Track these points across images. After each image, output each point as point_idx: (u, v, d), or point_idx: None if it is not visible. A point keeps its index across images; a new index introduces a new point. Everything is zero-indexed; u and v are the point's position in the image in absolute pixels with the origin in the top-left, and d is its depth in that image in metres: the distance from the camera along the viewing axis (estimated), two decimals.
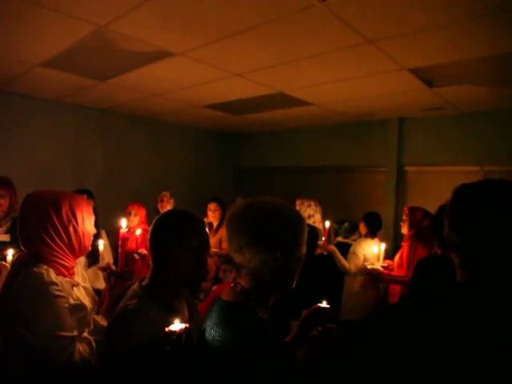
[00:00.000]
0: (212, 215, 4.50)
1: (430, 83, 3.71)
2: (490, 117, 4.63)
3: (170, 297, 1.49)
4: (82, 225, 1.66)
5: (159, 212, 4.62)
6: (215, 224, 4.52)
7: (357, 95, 4.28)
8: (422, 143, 5.20)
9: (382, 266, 3.72)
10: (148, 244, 1.50)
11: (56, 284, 1.49)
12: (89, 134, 5.54)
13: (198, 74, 3.73)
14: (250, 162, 7.34)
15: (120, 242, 1.79)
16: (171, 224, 1.50)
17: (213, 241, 4.28)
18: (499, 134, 4.57)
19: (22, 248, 1.62)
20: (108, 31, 2.81)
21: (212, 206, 4.53)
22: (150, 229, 1.50)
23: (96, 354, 1.54)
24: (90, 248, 1.76)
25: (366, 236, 4.08)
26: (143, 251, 3.81)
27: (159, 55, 3.26)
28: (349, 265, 3.90)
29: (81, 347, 1.50)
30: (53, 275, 1.52)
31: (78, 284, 1.68)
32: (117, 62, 3.49)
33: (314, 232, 4.20)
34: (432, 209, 4.81)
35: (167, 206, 4.67)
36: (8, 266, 1.99)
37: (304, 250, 1.31)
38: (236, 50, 3.11)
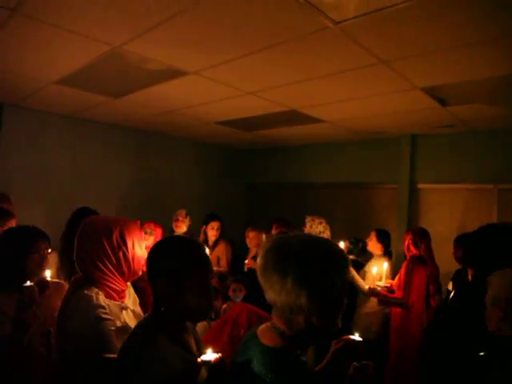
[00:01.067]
0: (213, 234, 4.57)
1: (443, 102, 3.69)
2: (504, 135, 4.59)
3: (181, 329, 1.46)
4: (132, 250, 1.72)
5: (174, 231, 4.59)
6: (212, 239, 4.57)
7: (369, 113, 4.27)
8: (435, 160, 5.17)
9: (385, 286, 3.66)
10: (149, 272, 1.46)
11: (103, 307, 1.56)
12: (99, 149, 5.58)
13: (210, 92, 3.75)
14: (261, 178, 7.34)
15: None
16: (175, 254, 1.43)
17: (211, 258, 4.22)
18: None
19: (78, 270, 1.72)
20: (122, 51, 2.85)
21: (216, 225, 4.59)
22: (149, 260, 1.46)
23: None
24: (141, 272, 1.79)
25: (384, 255, 4.03)
26: None
27: (173, 74, 3.29)
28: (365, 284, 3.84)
29: None
30: (102, 298, 1.59)
31: (127, 307, 1.73)
32: (130, 80, 3.52)
33: None
34: (444, 226, 4.82)
35: (183, 226, 4.59)
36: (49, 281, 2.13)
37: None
38: (249, 70, 3.12)
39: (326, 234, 4.39)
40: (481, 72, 2.94)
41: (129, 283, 1.85)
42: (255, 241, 4.49)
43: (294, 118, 4.60)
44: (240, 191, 7.50)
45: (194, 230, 4.87)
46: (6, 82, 3.80)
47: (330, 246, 1.28)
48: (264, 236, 4.42)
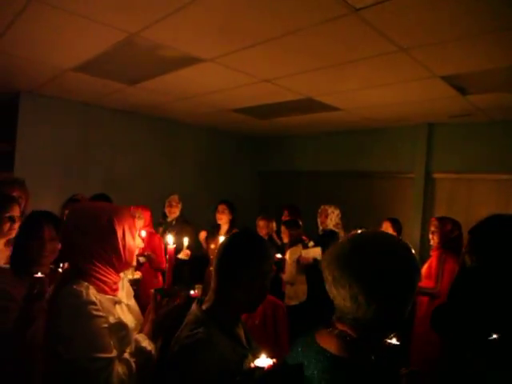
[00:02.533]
0: (220, 216, 4.49)
1: (462, 90, 3.62)
2: None
3: (233, 323, 1.46)
4: (123, 239, 1.57)
5: (166, 216, 4.60)
6: (224, 226, 4.50)
7: (387, 101, 4.21)
8: (452, 150, 5.09)
9: None
10: (215, 266, 1.46)
11: (94, 303, 1.44)
12: (110, 136, 5.61)
13: (226, 79, 3.73)
14: (275, 166, 7.32)
15: (168, 259, 1.71)
16: (246, 248, 1.45)
17: None
18: None
19: (67, 261, 1.65)
20: (139, 38, 2.84)
21: (221, 207, 4.51)
22: (220, 251, 1.47)
23: (137, 377, 1.47)
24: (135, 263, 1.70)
25: None
26: (149, 253, 3.76)
27: (189, 61, 3.27)
28: None
29: (120, 369, 1.42)
30: (92, 293, 1.47)
31: (121, 302, 1.62)
32: (146, 67, 3.52)
33: (337, 238, 4.30)
34: (460, 217, 4.75)
35: (176, 211, 4.59)
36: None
37: None
38: (266, 57, 3.09)
39: (340, 225, 4.44)
40: (502, 60, 2.87)
41: (122, 274, 1.73)
42: (265, 230, 4.56)
43: (309, 105, 4.56)
44: (253, 179, 7.50)
45: (207, 217, 4.89)
46: (23, 69, 3.82)
47: (409, 258, 1.15)
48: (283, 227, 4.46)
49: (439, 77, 3.28)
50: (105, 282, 1.55)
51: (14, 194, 3.05)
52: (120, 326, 1.50)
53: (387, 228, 4.08)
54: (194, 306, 1.50)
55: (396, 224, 4.06)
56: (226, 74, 3.56)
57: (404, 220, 5.27)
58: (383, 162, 5.76)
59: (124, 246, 1.57)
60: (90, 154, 5.33)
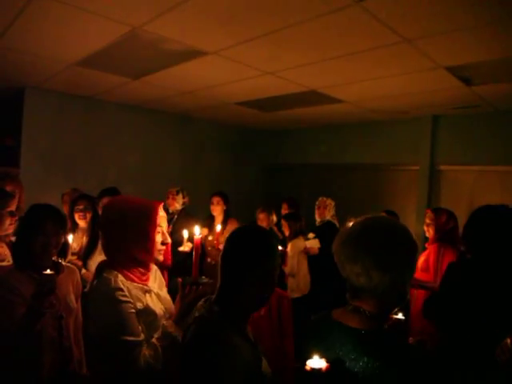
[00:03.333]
0: (214, 208, 4.50)
1: (467, 81, 3.60)
2: None
3: (245, 322, 1.45)
4: (153, 234, 1.68)
5: (168, 211, 4.55)
6: (219, 217, 4.50)
7: (390, 93, 4.20)
8: (457, 141, 5.06)
9: None
10: (224, 265, 1.44)
11: (121, 289, 1.55)
12: (115, 131, 5.61)
13: (230, 72, 3.73)
14: (279, 160, 7.32)
15: (194, 249, 1.74)
16: (256, 246, 1.42)
17: (222, 238, 4.24)
18: None
19: (102, 251, 1.74)
20: (142, 32, 2.84)
21: (215, 199, 4.52)
22: (228, 249, 1.45)
23: (162, 360, 1.53)
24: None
25: None
26: None
27: (192, 54, 3.28)
28: None
29: (147, 352, 1.50)
30: (121, 281, 1.58)
31: (151, 290, 1.71)
32: (150, 61, 3.53)
33: (338, 230, 4.33)
34: (466, 208, 4.73)
35: (174, 204, 4.57)
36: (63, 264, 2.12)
37: None
38: (269, 49, 3.09)
39: (335, 216, 4.67)
40: (507, 50, 2.85)
41: (154, 266, 1.84)
42: (265, 222, 4.60)
43: (313, 98, 4.55)
44: (258, 173, 7.50)
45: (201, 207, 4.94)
46: (28, 64, 3.83)
47: (408, 233, 1.29)
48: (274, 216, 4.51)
49: (444, 67, 3.26)
50: (133, 272, 1.65)
51: (7, 188, 3.03)
52: (148, 312, 1.60)
53: None
54: (201, 308, 1.46)
55: (392, 216, 4.07)
56: (229, 67, 3.56)
57: (409, 212, 5.29)
58: (388, 155, 5.74)
59: (150, 239, 1.66)
60: (94, 148, 5.34)
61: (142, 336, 1.53)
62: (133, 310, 1.54)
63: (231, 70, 3.64)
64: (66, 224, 2.18)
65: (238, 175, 7.04)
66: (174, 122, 6.19)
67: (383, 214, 4.12)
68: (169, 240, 1.77)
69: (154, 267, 1.84)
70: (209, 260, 4.38)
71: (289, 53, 3.15)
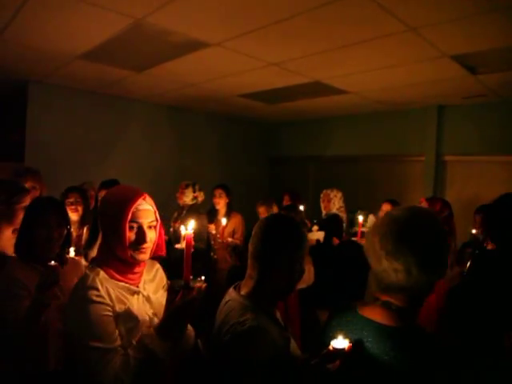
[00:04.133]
0: (217, 201, 4.49)
1: (473, 70, 3.57)
2: None
3: (273, 306, 1.47)
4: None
5: (179, 205, 4.51)
6: (222, 210, 4.50)
7: (396, 83, 4.16)
8: (463, 132, 5.02)
9: None
10: (254, 252, 1.44)
11: (96, 289, 1.38)
12: (122, 124, 5.62)
13: (233, 63, 3.71)
14: (285, 152, 7.30)
15: (185, 247, 1.45)
16: (285, 232, 1.44)
17: (226, 231, 4.26)
18: None
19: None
20: (145, 23, 2.83)
21: (217, 191, 4.51)
22: (258, 236, 1.44)
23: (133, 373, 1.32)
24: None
25: None
26: None
27: (195, 46, 3.26)
28: None
29: (118, 362, 1.32)
30: (100, 279, 1.42)
31: (139, 292, 1.53)
32: (153, 53, 3.51)
33: (341, 221, 4.36)
34: (472, 199, 4.70)
35: (182, 197, 4.44)
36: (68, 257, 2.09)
37: None
38: (273, 40, 3.07)
39: (343, 208, 4.50)
40: None
41: (157, 265, 1.70)
42: (265, 215, 4.54)
43: (317, 89, 4.52)
44: (264, 165, 7.50)
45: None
46: (31, 58, 3.82)
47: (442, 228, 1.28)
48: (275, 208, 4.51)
49: (449, 56, 3.23)
50: (118, 269, 1.48)
51: (27, 184, 3.07)
52: (129, 316, 1.43)
53: (387, 209, 4.06)
54: (232, 293, 1.48)
55: (395, 205, 4.06)
56: (233, 59, 3.54)
57: (416, 203, 5.25)
58: (394, 146, 5.71)
59: (121, 235, 1.44)
60: (98, 142, 5.35)
61: (118, 342, 1.35)
62: (108, 313, 1.37)
63: (235, 61, 3.62)
64: (68, 217, 2.19)
65: (244, 168, 7.03)
66: (177, 116, 6.17)
67: (386, 204, 4.13)
68: (147, 239, 1.47)
69: (155, 266, 1.69)
70: (212, 254, 4.38)
71: (293, 43, 3.12)
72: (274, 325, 1.40)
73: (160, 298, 1.59)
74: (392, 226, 1.23)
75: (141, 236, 1.46)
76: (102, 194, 3.06)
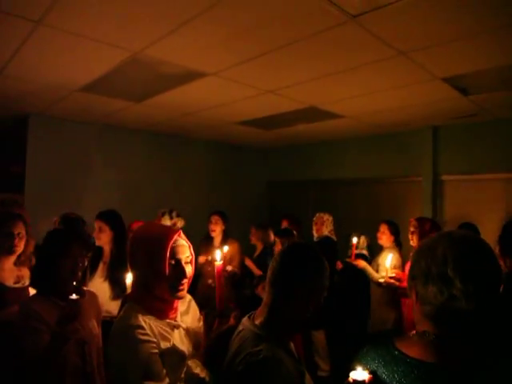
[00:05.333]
0: (213, 228, 4.41)
1: (464, 91, 3.64)
2: None
3: (288, 338, 1.44)
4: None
5: None
6: (218, 238, 4.42)
7: (389, 106, 4.24)
8: (458, 151, 5.08)
9: (390, 277, 3.63)
10: (271, 280, 1.42)
11: (141, 327, 1.37)
12: (122, 154, 5.68)
13: (230, 92, 3.79)
14: (283, 177, 7.36)
15: (216, 277, 1.55)
16: (305, 262, 1.41)
17: (226, 258, 4.10)
18: None
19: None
20: (143, 56, 2.91)
21: (214, 218, 4.45)
22: (277, 264, 1.42)
23: None
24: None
25: (395, 246, 4.06)
26: None
27: (193, 76, 3.34)
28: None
29: None
30: (141, 316, 1.41)
31: (179, 326, 1.53)
32: (151, 84, 3.59)
33: (336, 244, 4.39)
34: (471, 217, 4.72)
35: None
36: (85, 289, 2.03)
37: None
38: (268, 68, 3.14)
39: (333, 231, 4.60)
40: (501, 59, 2.89)
41: (188, 296, 1.68)
42: (256, 239, 4.76)
43: (313, 114, 4.60)
44: (262, 190, 7.54)
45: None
46: (31, 92, 3.90)
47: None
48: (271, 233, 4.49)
49: (440, 78, 3.30)
50: (157, 307, 1.47)
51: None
52: (174, 352, 1.43)
53: (385, 230, 4.10)
54: (246, 322, 1.45)
55: (392, 226, 4.09)
56: (230, 87, 3.62)
57: None
58: (391, 167, 5.76)
59: (160, 273, 1.46)
60: (97, 171, 5.39)
61: (167, 380, 1.36)
62: (155, 351, 1.36)
63: (231, 90, 3.70)
64: (91, 246, 2.18)
65: (243, 193, 7.08)
66: (176, 144, 6.25)
67: (384, 224, 4.16)
68: (187, 274, 1.51)
69: (187, 297, 1.67)
70: (210, 281, 4.27)
71: (287, 71, 3.20)
72: (289, 357, 1.36)
73: (197, 328, 1.61)
74: (449, 253, 1.11)
75: (181, 272, 1.48)
76: (98, 224, 3.05)
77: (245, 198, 7.04)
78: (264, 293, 1.45)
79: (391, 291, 3.77)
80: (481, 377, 1.03)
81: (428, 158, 5.29)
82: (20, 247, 2.46)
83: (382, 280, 3.65)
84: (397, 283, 3.63)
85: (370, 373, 1.13)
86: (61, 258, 1.93)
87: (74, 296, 1.76)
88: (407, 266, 3.76)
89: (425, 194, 5.33)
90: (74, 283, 1.96)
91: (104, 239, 3.01)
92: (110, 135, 5.51)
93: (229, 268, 4.13)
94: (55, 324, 1.73)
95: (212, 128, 5.58)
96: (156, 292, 1.46)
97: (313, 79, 3.37)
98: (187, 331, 1.54)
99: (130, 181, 5.70)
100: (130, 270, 1.58)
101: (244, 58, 2.94)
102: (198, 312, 1.67)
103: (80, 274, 2.00)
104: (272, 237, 4.80)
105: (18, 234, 2.44)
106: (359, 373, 1.12)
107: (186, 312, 1.62)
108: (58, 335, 1.72)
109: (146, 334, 1.36)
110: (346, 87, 3.60)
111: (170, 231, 1.52)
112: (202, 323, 1.65)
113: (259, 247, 4.78)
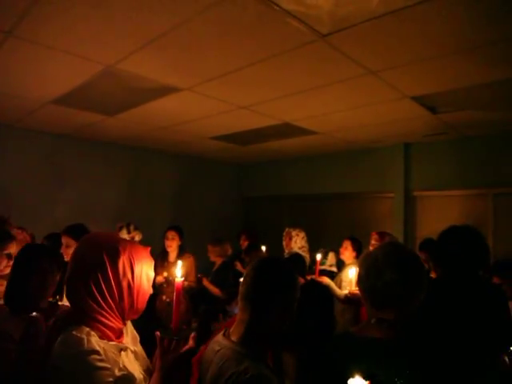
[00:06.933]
0: (169, 244, 4.31)
1: (433, 110, 3.75)
2: (497, 140, 4.63)
3: (266, 352, 1.45)
4: (139, 282, 1.36)
5: None
6: (173, 253, 4.33)
7: (360, 123, 4.32)
8: (429, 168, 5.20)
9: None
10: (246, 295, 1.42)
11: (97, 352, 1.21)
12: (92, 166, 5.61)
13: (203, 107, 3.81)
14: (259, 192, 7.38)
15: (175, 295, 1.39)
16: (278, 275, 1.45)
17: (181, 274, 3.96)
18: (506, 157, 4.56)
19: (67, 299, 1.39)
20: (116, 70, 2.90)
21: (170, 234, 4.34)
22: (251, 279, 1.44)
23: None
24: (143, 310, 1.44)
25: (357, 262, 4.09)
26: None
27: (166, 91, 3.35)
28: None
29: None
30: (94, 340, 1.24)
31: (127, 348, 1.37)
32: (125, 98, 3.58)
33: (304, 261, 4.31)
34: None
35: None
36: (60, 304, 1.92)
37: None
38: (240, 84, 3.18)
39: (305, 247, 4.52)
40: (469, 79, 2.99)
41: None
42: (214, 253, 4.72)
43: (287, 130, 4.65)
44: (237, 205, 7.54)
45: (193, 246, 4.87)
46: (2, 104, 3.85)
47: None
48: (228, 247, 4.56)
49: (409, 97, 3.39)
50: (109, 327, 1.31)
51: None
52: (128, 378, 1.28)
53: (347, 246, 4.15)
54: (223, 340, 1.43)
55: (355, 243, 4.15)
56: (203, 102, 3.64)
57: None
58: (364, 183, 5.85)
59: (139, 290, 1.36)
60: (67, 186, 5.30)
61: None
62: (111, 379, 1.20)
63: (205, 105, 3.72)
64: (61, 263, 2.11)
65: (218, 208, 7.05)
66: (149, 158, 6.22)
67: (347, 241, 4.22)
68: (150, 291, 1.43)
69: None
70: (164, 298, 4.19)
71: (259, 87, 3.25)
72: (271, 372, 1.35)
73: (140, 351, 1.47)
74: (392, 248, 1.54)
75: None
76: (65, 240, 2.96)
77: (219, 212, 7.02)
78: (237, 309, 1.46)
79: (353, 308, 3.79)
80: (409, 349, 1.39)
81: (400, 175, 5.40)
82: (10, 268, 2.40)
83: (346, 292, 3.63)
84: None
85: (368, 379, 1.22)
86: (30, 273, 1.87)
87: (33, 314, 1.71)
88: None
89: (397, 210, 5.42)
90: (51, 299, 1.92)
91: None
92: (81, 148, 5.45)
93: (185, 283, 4.00)
94: (19, 342, 1.67)
95: (187, 143, 5.58)
96: (126, 309, 1.35)
97: (285, 96, 3.42)
98: (135, 354, 1.41)
99: (97, 195, 5.60)
100: (78, 283, 1.35)
101: (215, 75, 2.98)
102: (135, 333, 1.52)
103: (51, 289, 1.93)
104: (230, 250, 4.83)
105: (11, 254, 2.38)
106: (357, 380, 1.18)
107: (126, 334, 1.43)
108: (22, 355, 1.65)
109: (103, 360, 1.20)
110: (318, 104, 3.66)
111: (147, 249, 1.47)
112: (139, 346, 1.50)
113: (218, 262, 4.76)
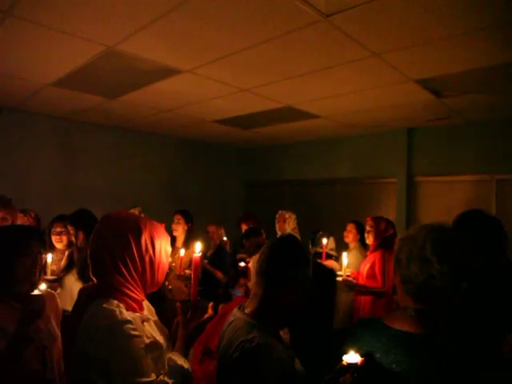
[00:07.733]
0: (175, 227, 4.14)
1: (437, 93, 3.71)
2: (500, 125, 4.60)
3: (277, 325, 1.51)
4: (160, 256, 1.47)
5: None
6: (180, 238, 4.16)
7: (363, 107, 4.29)
8: (432, 153, 5.18)
9: (347, 275, 3.66)
10: (260, 271, 1.50)
11: (131, 322, 1.29)
12: (94, 150, 5.62)
13: (205, 90, 3.78)
14: (260, 176, 7.37)
15: (193, 268, 1.55)
16: (290, 252, 1.51)
17: (184, 262, 3.79)
18: (509, 142, 4.53)
19: (92, 276, 1.43)
20: (117, 51, 2.87)
21: (175, 217, 4.18)
22: (266, 255, 1.51)
23: None
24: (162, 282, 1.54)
25: (360, 246, 4.17)
26: None
27: (168, 73, 3.31)
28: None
29: None
30: (125, 311, 1.32)
31: (149, 319, 1.47)
32: (126, 80, 3.55)
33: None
34: (443, 218, 4.79)
35: None
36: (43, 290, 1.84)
37: None
38: (242, 66, 3.15)
39: (297, 229, 4.60)
40: (473, 62, 2.95)
41: None
42: (216, 235, 4.85)
43: (289, 114, 4.62)
44: (238, 190, 7.54)
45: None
46: (3, 86, 3.83)
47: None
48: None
49: (413, 80, 3.35)
50: (134, 299, 1.40)
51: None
52: (154, 345, 1.37)
53: (352, 229, 4.22)
54: (237, 313, 1.52)
55: (359, 225, 4.19)
56: (205, 85, 3.61)
57: None
58: (366, 168, 5.83)
59: (159, 264, 1.46)
60: (72, 169, 5.33)
61: (153, 375, 1.29)
62: (142, 346, 1.29)
63: (207, 87, 3.69)
64: (45, 243, 2.09)
65: (219, 192, 7.07)
66: (151, 141, 6.21)
67: (351, 224, 4.27)
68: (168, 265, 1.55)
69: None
70: (166, 284, 3.94)
71: (262, 69, 3.21)
72: (279, 343, 1.43)
73: (158, 321, 1.56)
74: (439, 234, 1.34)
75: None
76: (69, 228, 3.08)
77: (221, 196, 7.04)
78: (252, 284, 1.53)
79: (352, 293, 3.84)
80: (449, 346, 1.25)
81: (403, 159, 5.38)
82: None
83: (339, 279, 3.65)
84: (354, 281, 3.67)
85: (362, 355, 1.26)
86: (20, 255, 1.77)
87: (36, 291, 1.66)
88: (362, 265, 3.84)
89: (399, 195, 5.41)
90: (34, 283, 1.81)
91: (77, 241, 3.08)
92: (85, 131, 5.44)
93: (187, 272, 3.78)
94: (16, 324, 1.60)
95: (189, 126, 5.56)
96: (147, 281, 1.46)
97: (288, 78, 3.38)
98: (155, 323, 1.51)
99: (102, 178, 5.64)
100: (105, 257, 1.44)
101: (217, 56, 2.94)
102: (150, 305, 1.60)
103: (37, 273, 1.84)
104: (224, 234, 4.93)
105: None
106: (352, 356, 1.24)
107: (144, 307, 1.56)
108: (19, 336, 1.58)
109: (136, 329, 1.29)
110: (321, 87, 3.62)
111: (163, 224, 1.58)
112: (156, 316, 1.59)
113: (214, 245, 4.79)
